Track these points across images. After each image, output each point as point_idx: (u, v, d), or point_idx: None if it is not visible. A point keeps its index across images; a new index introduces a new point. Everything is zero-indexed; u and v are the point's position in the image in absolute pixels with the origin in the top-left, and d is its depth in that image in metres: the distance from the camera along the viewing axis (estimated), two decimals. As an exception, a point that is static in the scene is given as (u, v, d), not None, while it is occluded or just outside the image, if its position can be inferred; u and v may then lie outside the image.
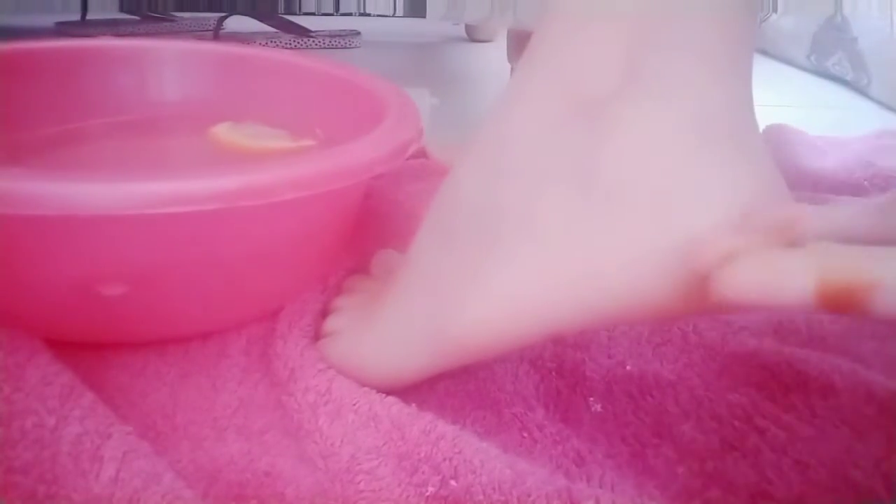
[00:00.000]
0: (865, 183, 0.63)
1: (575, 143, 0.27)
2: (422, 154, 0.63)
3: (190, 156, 0.54)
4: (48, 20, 1.19)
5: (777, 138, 0.71)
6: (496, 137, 0.31)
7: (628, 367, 0.37)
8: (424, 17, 1.10)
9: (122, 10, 1.18)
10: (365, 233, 0.47)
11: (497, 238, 0.29)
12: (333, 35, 1.27)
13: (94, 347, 0.36)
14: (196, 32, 1.21)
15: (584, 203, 0.27)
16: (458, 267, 0.30)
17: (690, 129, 0.26)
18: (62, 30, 1.17)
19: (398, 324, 0.33)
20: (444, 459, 0.29)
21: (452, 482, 0.28)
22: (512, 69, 0.89)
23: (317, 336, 0.37)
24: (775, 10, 1.19)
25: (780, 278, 0.20)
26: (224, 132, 0.52)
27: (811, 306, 0.19)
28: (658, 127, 0.26)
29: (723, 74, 0.27)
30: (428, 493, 0.28)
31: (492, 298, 0.29)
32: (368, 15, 1.30)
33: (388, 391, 0.32)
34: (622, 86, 0.27)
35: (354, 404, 0.32)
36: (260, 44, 1.16)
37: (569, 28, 0.29)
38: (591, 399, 0.35)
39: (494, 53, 1.21)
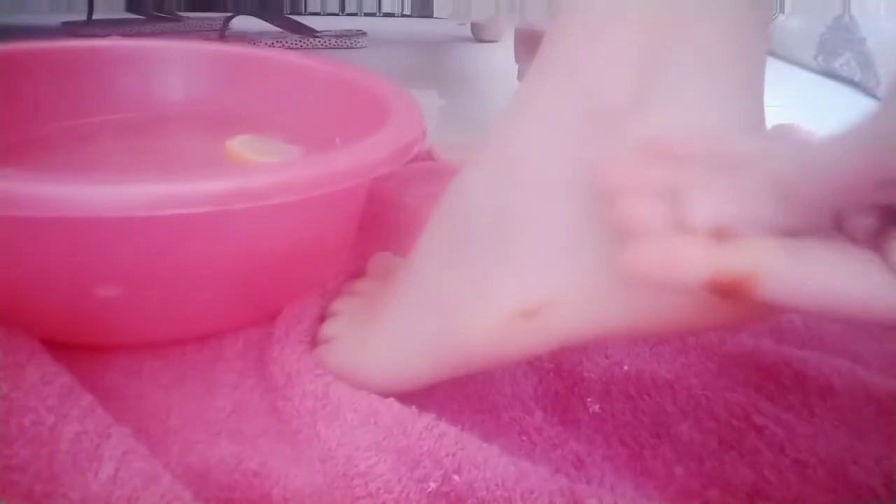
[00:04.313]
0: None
1: (587, 154, 0.27)
2: (429, 157, 0.63)
3: (191, 161, 0.54)
4: (54, 20, 1.19)
5: (784, 139, 0.71)
6: (506, 144, 0.30)
7: (626, 368, 0.37)
8: (431, 16, 1.10)
9: (128, 9, 1.18)
10: (369, 236, 0.46)
11: (504, 246, 0.29)
12: (339, 35, 1.27)
13: (90, 349, 0.36)
14: (202, 32, 1.22)
15: (595, 214, 0.26)
16: (464, 274, 0.30)
17: None
18: (68, 29, 1.17)
19: (399, 330, 0.33)
20: (448, 454, 0.29)
21: (455, 477, 0.28)
22: (519, 69, 0.89)
23: (314, 341, 0.37)
24: (782, 11, 1.18)
25: (679, 263, 0.22)
26: (236, 145, 0.52)
27: (702, 290, 0.21)
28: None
29: (735, 85, 0.26)
30: (430, 490, 0.28)
31: (498, 307, 0.28)
32: (374, 15, 1.30)
33: (386, 397, 0.32)
34: (635, 97, 0.27)
35: (353, 403, 0.32)
36: (266, 44, 1.16)
37: (580, 34, 0.29)
38: (589, 400, 0.35)
39: (500, 53, 1.21)
